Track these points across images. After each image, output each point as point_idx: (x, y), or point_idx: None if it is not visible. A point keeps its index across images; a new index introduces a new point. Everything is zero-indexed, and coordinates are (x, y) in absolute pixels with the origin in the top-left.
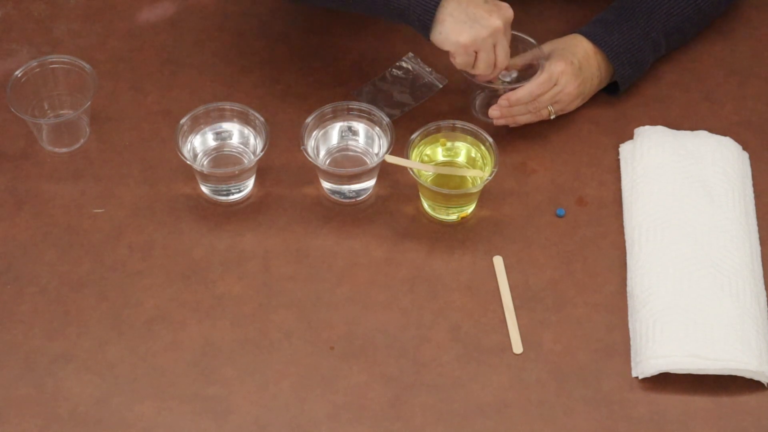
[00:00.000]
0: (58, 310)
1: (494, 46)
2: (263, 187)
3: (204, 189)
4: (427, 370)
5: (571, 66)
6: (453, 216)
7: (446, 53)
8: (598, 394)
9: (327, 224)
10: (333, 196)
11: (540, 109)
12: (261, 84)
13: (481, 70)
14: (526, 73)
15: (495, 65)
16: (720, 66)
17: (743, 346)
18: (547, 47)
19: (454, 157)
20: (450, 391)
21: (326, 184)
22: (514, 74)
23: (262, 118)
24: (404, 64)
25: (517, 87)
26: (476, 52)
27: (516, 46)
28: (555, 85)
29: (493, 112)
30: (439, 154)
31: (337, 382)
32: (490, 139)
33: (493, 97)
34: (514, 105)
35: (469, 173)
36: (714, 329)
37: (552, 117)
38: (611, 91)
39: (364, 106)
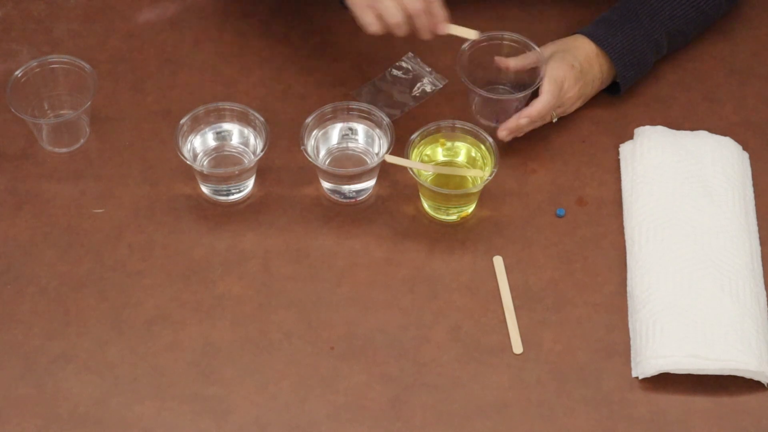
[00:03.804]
0: (58, 310)
1: None
2: (263, 187)
3: (204, 189)
4: (427, 370)
5: (572, 70)
6: (453, 216)
7: (445, 53)
8: (598, 394)
9: (327, 224)
10: (333, 196)
11: (544, 118)
12: (261, 84)
13: (393, 19)
14: (526, 76)
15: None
16: (720, 66)
17: (743, 346)
18: (548, 49)
19: (454, 157)
20: (450, 391)
21: (326, 184)
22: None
23: (262, 118)
24: (404, 64)
25: (517, 96)
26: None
27: (517, 51)
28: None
29: (502, 133)
30: (439, 154)
31: (337, 382)
32: (490, 139)
33: (494, 101)
34: (527, 126)
35: (469, 173)
36: (714, 329)
37: (554, 120)
38: (611, 92)
39: (364, 106)
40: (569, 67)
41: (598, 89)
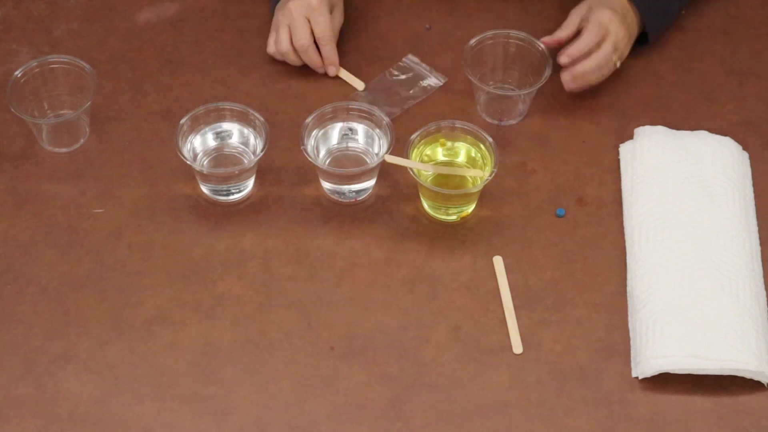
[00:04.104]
0: (58, 310)
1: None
2: (263, 187)
3: (204, 189)
4: (427, 370)
5: (615, 13)
6: (453, 216)
7: (445, 52)
8: (598, 394)
9: (327, 224)
10: (333, 196)
11: (607, 61)
12: (261, 84)
13: (281, 47)
14: (530, 74)
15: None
16: (720, 66)
17: (743, 346)
18: (584, 5)
19: (454, 157)
20: (450, 391)
21: (326, 184)
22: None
23: (262, 118)
24: (404, 64)
25: (523, 92)
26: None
27: (523, 48)
28: (608, 33)
29: (565, 76)
30: (439, 154)
31: (337, 382)
32: (490, 139)
33: (498, 98)
34: (577, 59)
35: (469, 173)
36: (714, 329)
37: (617, 65)
38: (639, 43)
39: (364, 106)
40: (612, 11)
41: (636, 32)
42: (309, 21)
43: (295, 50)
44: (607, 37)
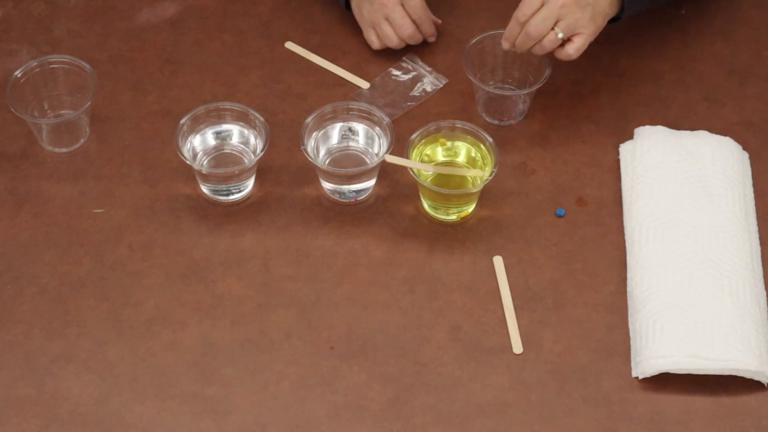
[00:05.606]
0: (58, 310)
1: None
2: (263, 187)
3: (204, 189)
4: (427, 370)
5: None
6: (453, 216)
7: (445, 52)
8: (598, 394)
9: (327, 224)
10: (333, 196)
11: (541, 32)
12: (261, 84)
13: (390, 42)
14: (530, 74)
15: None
16: (720, 66)
17: (743, 346)
18: None
19: (454, 157)
20: (450, 391)
21: (326, 184)
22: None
23: (262, 118)
24: (404, 64)
25: (522, 92)
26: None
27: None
28: (545, 3)
29: (504, 44)
30: (439, 154)
31: (337, 382)
32: (490, 139)
33: (498, 98)
34: (522, 36)
35: (469, 173)
36: (714, 329)
37: (560, 36)
38: (612, 21)
39: (364, 106)
40: None
41: (601, 5)
42: (403, 6)
43: (401, 39)
44: (543, 7)
